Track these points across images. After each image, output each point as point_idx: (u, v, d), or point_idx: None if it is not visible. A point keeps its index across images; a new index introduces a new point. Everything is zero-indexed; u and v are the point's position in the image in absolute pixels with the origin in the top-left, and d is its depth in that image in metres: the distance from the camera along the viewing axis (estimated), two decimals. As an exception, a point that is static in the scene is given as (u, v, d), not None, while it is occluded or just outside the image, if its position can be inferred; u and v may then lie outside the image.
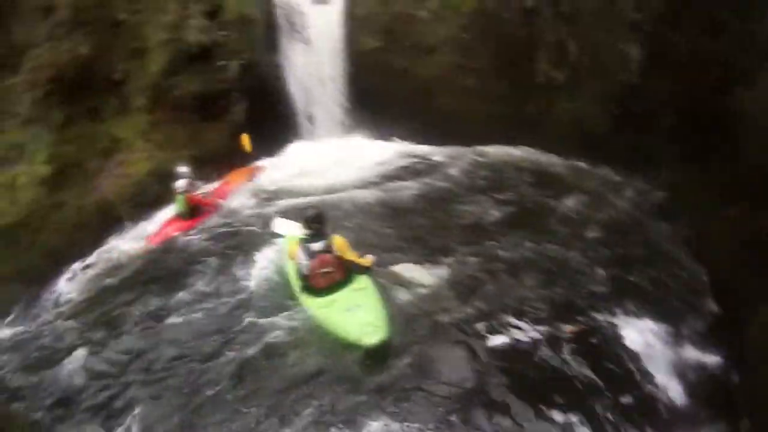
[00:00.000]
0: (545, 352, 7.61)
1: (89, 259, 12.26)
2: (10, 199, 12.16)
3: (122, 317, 9.76)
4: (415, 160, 14.68)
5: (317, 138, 16.35)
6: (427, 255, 9.98)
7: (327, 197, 12.63)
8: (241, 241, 11.55)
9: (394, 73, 15.53)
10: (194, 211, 12.58)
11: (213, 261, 10.83)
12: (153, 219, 13.23)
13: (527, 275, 9.27)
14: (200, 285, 10.15)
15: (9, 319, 11.02)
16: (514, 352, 7.66)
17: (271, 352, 8.02)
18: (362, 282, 8.12)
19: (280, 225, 10.54)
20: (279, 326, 8.40)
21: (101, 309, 10.27)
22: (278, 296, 9.10)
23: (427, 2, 15.00)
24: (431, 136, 15.29)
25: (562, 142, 13.31)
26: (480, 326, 8.13)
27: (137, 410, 7.73)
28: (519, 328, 8.03)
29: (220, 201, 13.19)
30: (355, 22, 15.72)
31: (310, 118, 16.38)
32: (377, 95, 15.71)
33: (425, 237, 10.74)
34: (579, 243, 9.99)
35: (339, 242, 8.06)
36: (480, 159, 14.16)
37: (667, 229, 10.19)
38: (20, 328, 10.66)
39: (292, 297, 8.70)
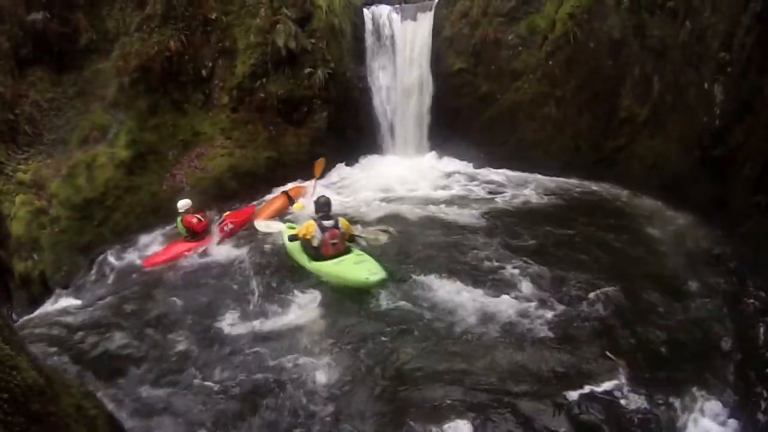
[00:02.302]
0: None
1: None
2: (89, 176, 12.49)
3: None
4: (492, 186, 14.12)
5: (395, 154, 16.14)
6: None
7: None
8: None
9: (477, 97, 15.30)
10: (198, 233, 11.90)
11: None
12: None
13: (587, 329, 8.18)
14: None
15: (69, 290, 11.27)
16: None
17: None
18: (362, 253, 9.96)
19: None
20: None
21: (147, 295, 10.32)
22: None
23: (515, 26, 14.74)
24: (510, 163, 14.87)
25: (641, 181, 12.60)
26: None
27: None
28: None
29: (233, 226, 12.20)
30: (442, 42, 15.59)
31: (391, 134, 16.15)
32: (460, 117, 15.53)
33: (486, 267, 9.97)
34: (643, 297, 8.78)
35: (344, 222, 10.12)
36: (557, 190, 13.49)
37: (742, 288, 8.91)
38: (77, 301, 10.71)
39: (300, 268, 10.32)
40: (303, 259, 10.27)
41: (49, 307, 10.71)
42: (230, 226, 12.08)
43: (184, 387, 7.62)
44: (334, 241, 9.84)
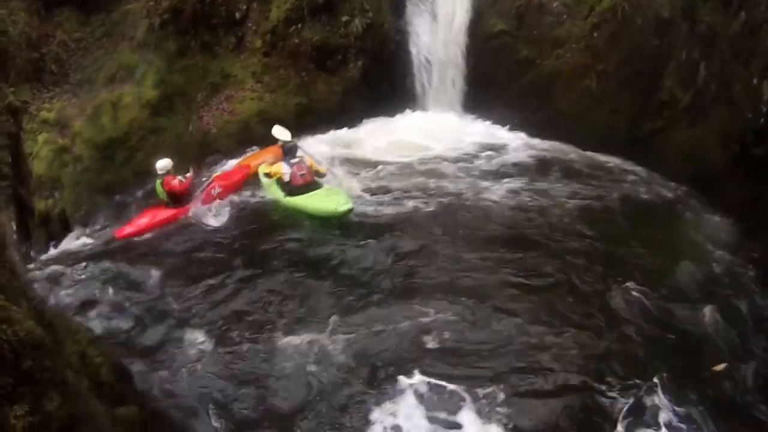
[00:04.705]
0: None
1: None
2: (113, 116, 12.21)
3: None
4: (524, 154, 13.40)
5: (428, 111, 15.42)
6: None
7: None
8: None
9: (516, 60, 14.52)
10: (180, 198, 10.96)
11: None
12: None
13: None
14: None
15: (88, 229, 11.17)
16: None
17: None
18: (333, 189, 11.23)
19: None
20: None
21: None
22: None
23: (563, -7, 14.06)
24: (545, 132, 14.06)
25: (675, 168, 11.96)
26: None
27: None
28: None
29: (221, 190, 11.34)
30: (485, 2, 14.82)
31: (425, 91, 15.47)
32: (496, 79, 14.77)
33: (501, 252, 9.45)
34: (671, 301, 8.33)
35: (309, 160, 11.43)
36: (589, 167, 12.79)
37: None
38: (94, 241, 10.71)
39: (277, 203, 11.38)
40: (279, 195, 11.31)
41: (67, 245, 10.62)
42: (218, 189, 11.25)
43: (189, 337, 7.81)
44: (302, 172, 11.08)
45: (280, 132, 12.15)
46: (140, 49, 12.95)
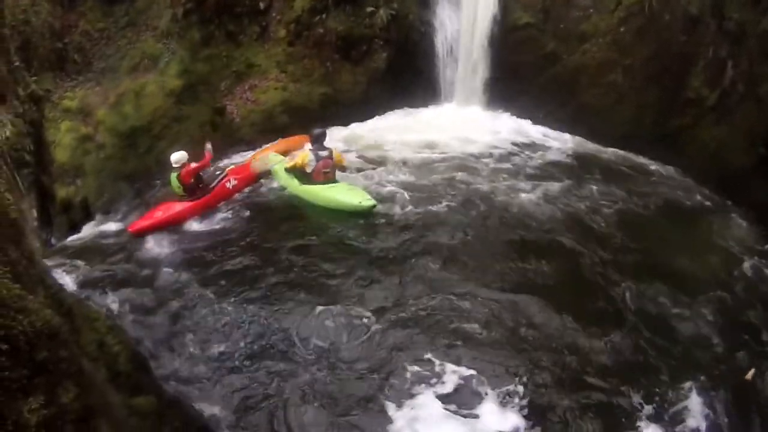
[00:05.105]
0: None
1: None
2: (136, 104, 12.21)
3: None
4: (548, 153, 13.17)
5: (452, 103, 15.35)
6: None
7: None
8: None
9: (542, 54, 14.38)
10: (197, 190, 10.61)
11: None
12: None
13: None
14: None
15: (110, 216, 11.22)
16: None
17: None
18: (351, 185, 10.95)
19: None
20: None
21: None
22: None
23: (590, -14, 13.82)
24: (570, 127, 13.98)
25: (700, 166, 11.85)
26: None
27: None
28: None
29: (236, 183, 11.16)
30: (511, -6, 14.68)
31: (449, 82, 15.33)
32: (521, 73, 14.64)
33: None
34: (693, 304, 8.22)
35: (337, 153, 11.15)
36: (615, 165, 12.62)
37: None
38: (116, 227, 10.73)
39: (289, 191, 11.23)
40: (293, 183, 11.04)
41: (88, 232, 10.63)
42: (233, 182, 11.03)
43: (208, 327, 7.84)
44: (327, 170, 10.76)
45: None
46: (164, 39, 12.94)
